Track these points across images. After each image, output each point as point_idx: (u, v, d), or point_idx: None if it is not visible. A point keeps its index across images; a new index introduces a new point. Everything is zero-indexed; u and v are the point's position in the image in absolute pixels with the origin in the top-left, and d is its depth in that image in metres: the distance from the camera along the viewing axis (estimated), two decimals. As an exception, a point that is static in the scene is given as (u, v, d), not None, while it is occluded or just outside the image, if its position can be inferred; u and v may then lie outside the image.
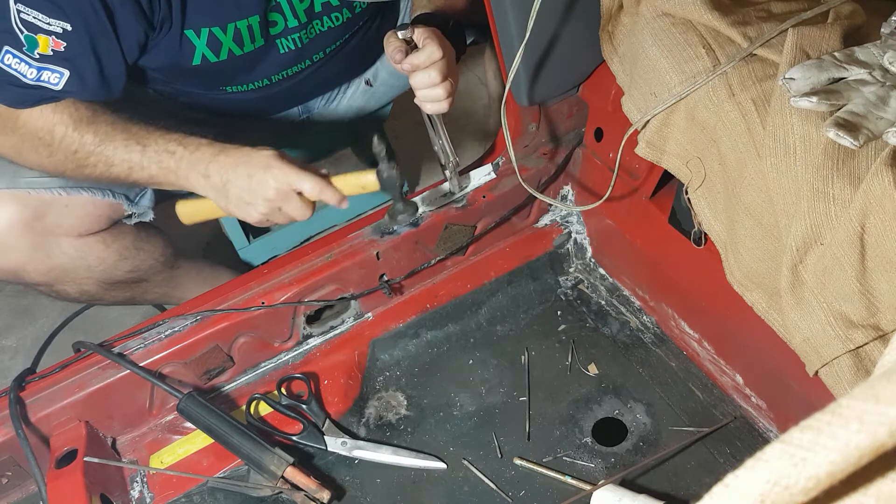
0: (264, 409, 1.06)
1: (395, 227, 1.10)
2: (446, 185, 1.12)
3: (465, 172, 1.15)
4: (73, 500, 0.89)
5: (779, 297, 0.80)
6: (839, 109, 0.72)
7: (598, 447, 1.00)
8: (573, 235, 1.25)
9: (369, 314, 1.17)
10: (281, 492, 0.96)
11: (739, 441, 0.99)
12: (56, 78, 0.89)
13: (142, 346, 1.00)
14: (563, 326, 1.17)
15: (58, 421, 0.97)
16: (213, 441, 0.99)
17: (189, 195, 1.06)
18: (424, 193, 1.13)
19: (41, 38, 0.87)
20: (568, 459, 0.99)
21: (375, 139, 0.96)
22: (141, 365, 0.98)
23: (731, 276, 0.89)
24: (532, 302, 1.20)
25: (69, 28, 0.87)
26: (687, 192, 0.92)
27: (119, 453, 1.04)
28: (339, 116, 1.41)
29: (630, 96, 0.94)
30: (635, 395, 1.05)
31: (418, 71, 0.92)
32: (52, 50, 0.88)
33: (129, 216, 1.11)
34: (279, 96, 1.22)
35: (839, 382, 0.75)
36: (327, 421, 1.04)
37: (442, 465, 1.00)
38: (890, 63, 0.75)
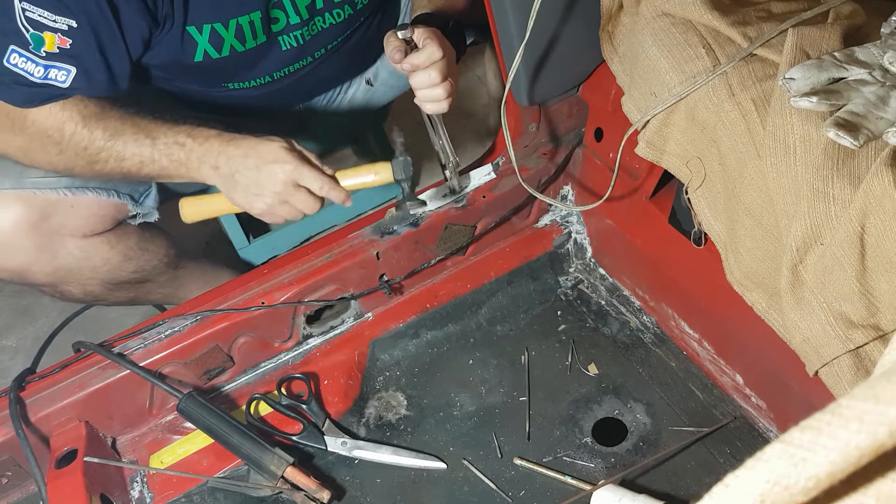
0: (264, 409, 1.06)
1: (395, 227, 1.10)
2: (446, 185, 1.12)
3: (465, 172, 1.15)
4: (73, 500, 0.89)
5: (779, 297, 0.80)
6: (839, 109, 0.72)
7: (598, 447, 1.00)
8: (573, 235, 1.25)
9: (369, 314, 1.17)
10: (281, 492, 0.96)
11: (739, 441, 0.99)
12: (63, 75, 0.89)
13: (142, 346, 1.00)
14: (563, 326, 1.17)
15: (58, 421, 0.97)
16: (213, 441, 0.99)
17: (191, 194, 1.06)
18: (424, 193, 1.13)
19: (47, 35, 0.87)
20: (568, 459, 0.99)
21: (395, 129, 0.99)
22: (141, 365, 0.98)
23: (731, 276, 0.89)
24: (532, 302, 1.20)
25: (74, 25, 0.88)
26: (687, 192, 0.92)
27: (119, 453, 1.04)
28: (339, 116, 1.41)
29: (630, 96, 0.94)
30: (635, 395, 1.05)
31: (418, 71, 0.92)
32: (59, 47, 0.88)
33: (134, 216, 1.11)
34: (281, 93, 1.22)
35: (839, 382, 0.75)
36: (327, 421, 1.04)
37: (442, 465, 1.00)
38: (890, 63, 0.75)
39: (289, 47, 1.13)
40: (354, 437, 1.04)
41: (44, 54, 0.88)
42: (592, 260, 1.24)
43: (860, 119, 0.70)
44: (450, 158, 1.06)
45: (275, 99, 1.24)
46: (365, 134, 1.65)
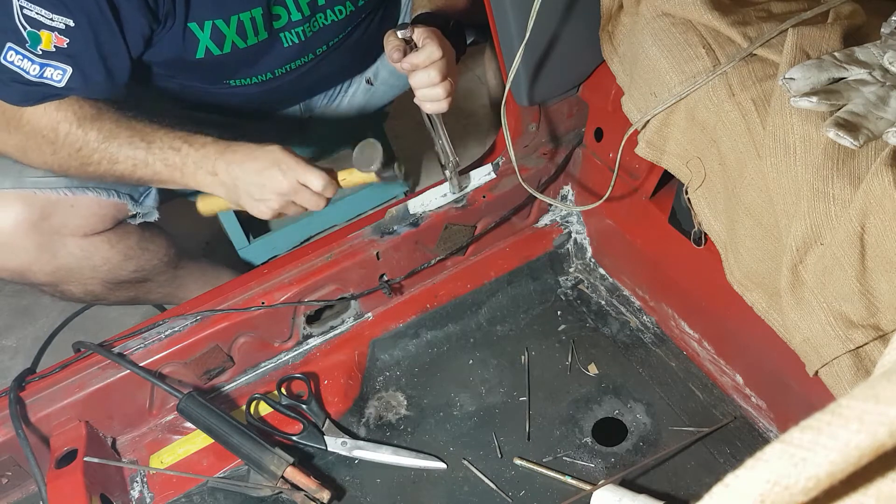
0: (264, 409, 1.06)
1: (395, 227, 1.10)
2: (446, 185, 1.12)
3: (465, 172, 1.15)
4: (73, 500, 0.89)
5: (779, 297, 0.80)
6: (839, 109, 0.72)
7: (598, 447, 1.00)
8: (573, 235, 1.25)
9: (369, 314, 1.17)
10: (281, 492, 0.96)
11: (739, 441, 0.99)
12: (59, 75, 0.89)
13: (142, 346, 1.00)
14: (563, 326, 1.17)
15: (58, 421, 0.97)
16: (213, 441, 0.99)
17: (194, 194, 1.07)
18: (424, 193, 1.13)
19: (44, 34, 0.87)
20: (568, 459, 0.99)
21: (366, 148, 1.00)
22: (141, 365, 0.98)
23: (731, 276, 0.89)
24: (532, 302, 1.20)
25: (72, 24, 0.88)
26: (687, 192, 0.92)
27: (119, 453, 1.04)
28: (340, 116, 1.41)
29: (630, 96, 0.94)
30: (635, 395, 1.05)
31: (418, 70, 0.92)
32: (55, 46, 0.88)
33: (134, 216, 1.11)
34: (282, 90, 1.22)
35: (839, 382, 0.75)
36: (327, 421, 1.04)
37: (442, 465, 1.00)
38: (890, 63, 0.75)
39: (290, 44, 1.13)
40: (354, 437, 1.04)
41: (40, 53, 0.88)
42: (592, 260, 1.24)
43: (860, 119, 0.70)
44: (450, 158, 1.06)
45: (275, 96, 1.24)
46: (365, 134, 1.65)
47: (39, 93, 0.90)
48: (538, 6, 0.86)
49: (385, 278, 1.13)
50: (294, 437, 1.02)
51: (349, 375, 1.11)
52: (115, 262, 1.11)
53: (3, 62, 0.87)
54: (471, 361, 1.13)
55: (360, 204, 1.60)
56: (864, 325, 0.72)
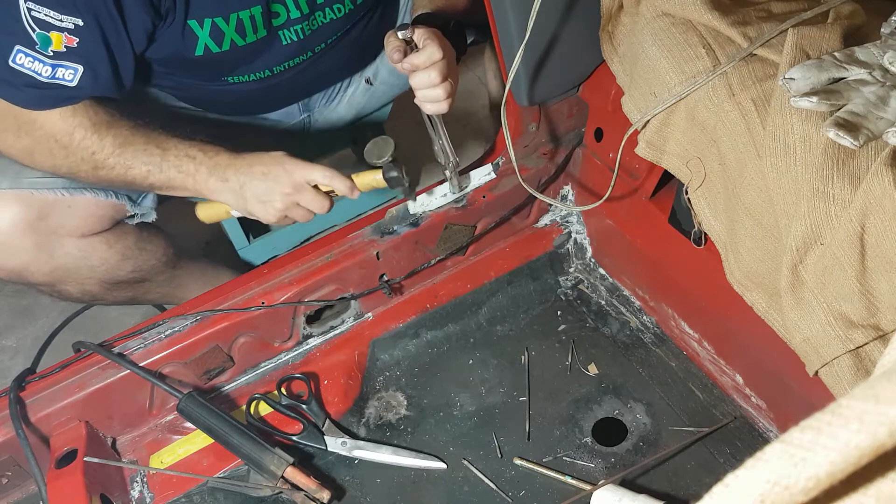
0: (264, 409, 1.06)
1: (395, 227, 1.10)
2: (446, 185, 1.12)
3: (465, 172, 1.15)
4: (73, 500, 0.89)
5: (779, 297, 0.80)
6: (839, 109, 0.72)
7: (598, 447, 1.00)
8: (573, 235, 1.25)
9: (369, 314, 1.17)
10: (281, 492, 0.96)
11: (739, 441, 0.99)
12: (70, 74, 0.90)
13: (142, 346, 1.00)
14: (563, 326, 1.17)
15: (58, 421, 0.97)
16: (213, 441, 0.99)
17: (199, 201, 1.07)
18: (424, 193, 1.13)
19: (54, 35, 0.88)
20: (568, 459, 0.99)
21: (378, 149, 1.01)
22: (141, 365, 0.98)
23: (731, 276, 0.89)
24: (532, 302, 1.20)
25: (81, 23, 0.88)
26: (687, 192, 0.92)
27: (119, 453, 1.04)
28: (339, 116, 1.41)
29: (630, 96, 0.94)
30: (635, 395, 1.05)
31: (418, 71, 0.92)
32: (66, 46, 0.89)
33: (132, 216, 1.11)
34: (280, 87, 1.22)
35: (839, 382, 0.75)
36: (327, 421, 1.04)
37: (442, 465, 1.00)
38: (890, 63, 0.75)
39: (289, 42, 1.13)
40: (354, 437, 1.04)
41: (51, 54, 0.88)
42: (592, 260, 1.24)
43: (860, 119, 0.70)
44: (450, 158, 1.06)
45: (274, 93, 1.24)
46: (365, 134, 1.65)
47: (52, 96, 0.91)
48: (538, 6, 0.86)
49: (385, 278, 1.13)
50: (294, 437, 1.02)
51: (349, 375, 1.11)
52: (112, 263, 1.11)
53: (14, 65, 0.87)
54: (471, 361, 1.13)
55: (360, 204, 1.60)
56: (864, 325, 0.72)
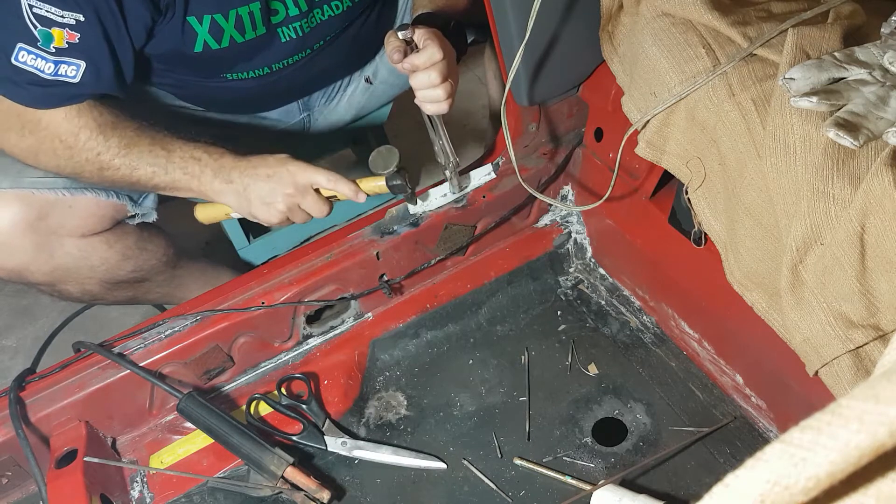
0: (264, 409, 1.06)
1: (395, 227, 1.10)
2: (446, 185, 1.12)
3: (465, 172, 1.15)
4: (73, 500, 0.89)
5: (779, 297, 0.80)
6: (839, 109, 0.72)
7: (598, 447, 1.00)
8: (573, 235, 1.25)
9: (369, 314, 1.17)
10: (281, 492, 0.96)
11: (739, 441, 0.99)
12: (73, 70, 0.90)
13: (142, 346, 1.00)
14: (563, 326, 1.17)
15: (58, 421, 0.97)
16: (213, 441, 0.99)
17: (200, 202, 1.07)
18: (424, 193, 1.13)
19: (56, 31, 0.88)
20: (568, 459, 0.99)
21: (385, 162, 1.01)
22: (141, 365, 0.98)
23: (731, 276, 0.89)
24: (532, 302, 1.20)
25: (82, 19, 0.89)
26: (687, 192, 0.92)
27: (119, 453, 1.04)
28: (339, 115, 1.41)
29: (630, 96, 0.94)
30: (635, 395, 1.05)
31: (418, 72, 0.92)
32: (68, 42, 0.89)
33: (133, 217, 1.11)
34: (279, 85, 1.22)
35: (839, 382, 0.75)
36: (327, 421, 1.04)
37: (442, 465, 1.00)
38: (890, 63, 0.75)
39: (288, 39, 1.13)
40: (354, 437, 1.04)
41: (53, 50, 0.88)
42: (592, 260, 1.24)
43: (860, 119, 0.70)
44: (450, 158, 1.06)
45: (273, 91, 1.25)
46: (365, 134, 1.65)
47: (56, 94, 0.91)
48: (538, 6, 0.86)
49: (385, 278, 1.13)
50: (294, 437, 1.02)
51: (349, 375, 1.11)
52: (112, 263, 1.11)
53: (17, 63, 0.87)
54: (471, 361, 1.13)
55: (360, 205, 1.59)
56: (864, 325, 0.72)
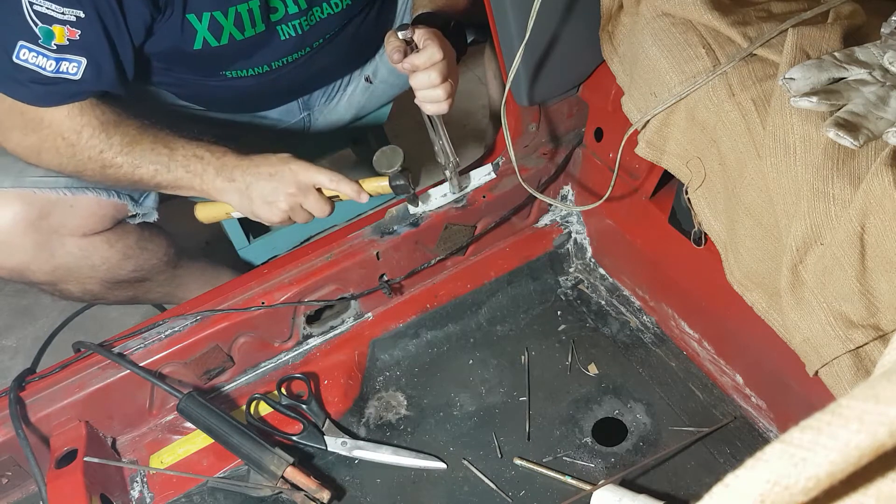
0: (264, 409, 1.06)
1: (395, 227, 1.10)
2: (446, 185, 1.12)
3: (465, 172, 1.15)
4: (73, 500, 0.89)
5: (779, 297, 0.80)
6: (839, 109, 0.72)
7: (598, 447, 1.00)
8: (573, 235, 1.25)
9: (369, 314, 1.17)
10: (281, 492, 0.96)
11: (739, 441, 0.99)
12: (74, 67, 0.90)
13: (142, 346, 1.00)
14: (563, 326, 1.17)
15: (58, 421, 0.97)
16: (213, 441, 0.99)
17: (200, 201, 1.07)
18: (424, 193, 1.13)
19: (56, 28, 0.88)
20: (568, 459, 0.99)
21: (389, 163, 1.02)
22: (141, 365, 0.98)
23: (731, 276, 0.89)
24: (532, 302, 1.20)
25: (82, 15, 0.89)
26: (687, 192, 0.92)
27: (119, 453, 1.04)
28: (339, 115, 1.41)
29: (630, 96, 0.94)
30: (635, 395, 1.05)
31: (418, 72, 0.92)
32: (68, 39, 0.89)
33: (133, 216, 1.11)
34: (279, 83, 1.22)
35: (839, 382, 0.75)
36: (327, 421, 1.04)
37: (442, 465, 1.00)
38: (890, 63, 0.75)
39: (287, 37, 1.13)
40: (354, 437, 1.04)
41: (54, 47, 0.89)
42: (592, 260, 1.24)
43: (860, 119, 0.70)
44: (450, 158, 1.06)
45: (272, 89, 1.25)
46: (365, 134, 1.65)
47: (58, 92, 0.91)
48: (538, 6, 0.86)
49: (385, 278, 1.13)
50: (294, 437, 1.02)
51: (349, 375, 1.11)
52: (113, 262, 1.11)
53: (18, 61, 0.87)
54: (471, 361, 1.13)
55: (360, 204, 1.59)
56: (864, 325, 0.72)
